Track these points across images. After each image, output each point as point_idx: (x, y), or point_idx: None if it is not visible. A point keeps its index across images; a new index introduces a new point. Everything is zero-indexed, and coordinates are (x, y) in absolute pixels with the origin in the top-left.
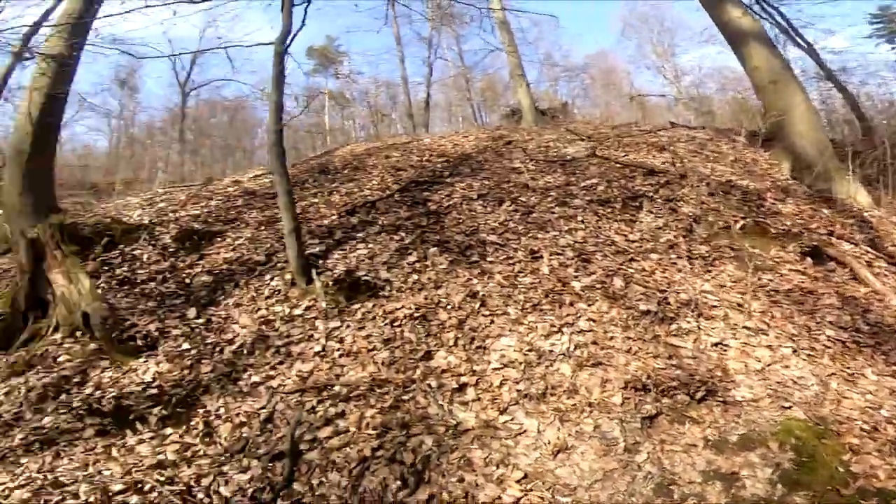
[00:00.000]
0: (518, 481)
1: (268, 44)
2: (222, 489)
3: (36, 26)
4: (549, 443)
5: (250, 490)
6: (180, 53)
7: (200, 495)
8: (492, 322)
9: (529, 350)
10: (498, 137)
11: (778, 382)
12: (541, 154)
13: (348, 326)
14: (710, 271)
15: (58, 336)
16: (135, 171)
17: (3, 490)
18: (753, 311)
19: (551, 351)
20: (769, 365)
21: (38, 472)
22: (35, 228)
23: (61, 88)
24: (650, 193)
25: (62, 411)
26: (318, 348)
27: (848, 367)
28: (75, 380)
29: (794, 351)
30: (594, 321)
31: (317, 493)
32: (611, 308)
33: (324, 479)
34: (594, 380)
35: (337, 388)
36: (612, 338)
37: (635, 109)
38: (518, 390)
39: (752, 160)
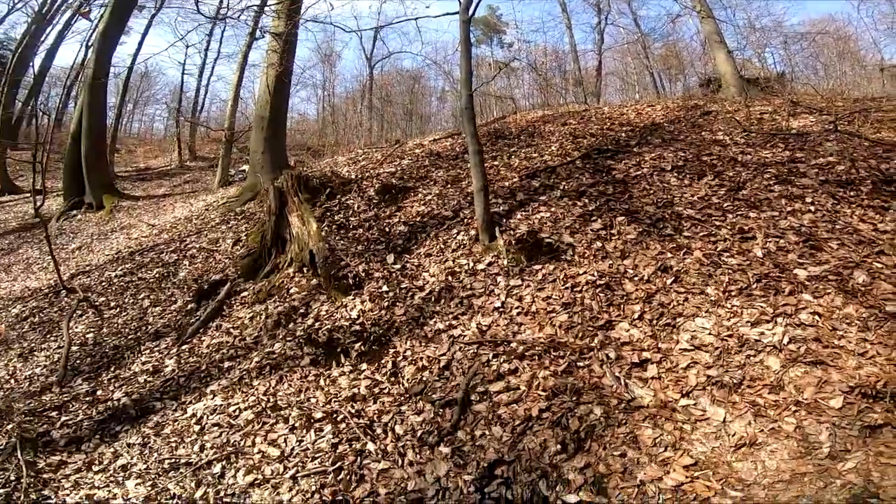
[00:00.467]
0: (686, 467)
1: (454, 13)
2: (397, 427)
3: (261, 7)
4: (733, 434)
5: (419, 432)
6: (381, 27)
7: (378, 431)
8: (686, 300)
9: (729, 336)
10: (693, 107)
11: None
12: (753, 127)
13: (528, 286)
14: None
15: (290, 270)
16: (337, 135)
17: (235, 410)
18: None
19: (758, 341)
20: None
21: (264, 394)
22: (280, 178)
23: (289, 63)
24: None
25: (288, 339)
26: (497, 304)
27: None
28: (300, 311)
29: None
30: (820, 316)
31: (477, 444)
32: (846, 304)
33: (486, 432)
34: (809, 378)
35: (513, 344)
36: (842, 337)
37: (886, 82)
38: (708, 375)
39: None
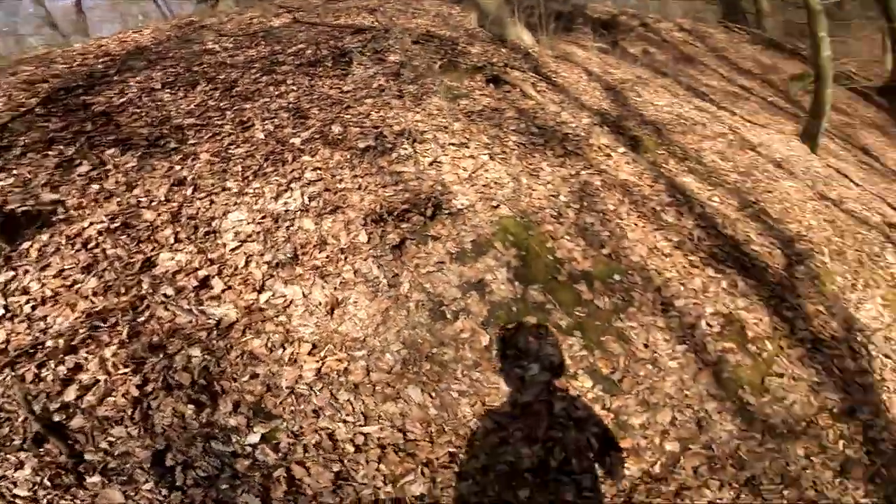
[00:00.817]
0: (309, 353)
1: None
2: None
3: None
4: (320, 304)
5: None
6: None
7: None
8: (211, 203)
9: (263, 217)
10: (186, 24)
11: (484, 186)
12: (241, 32)
13: (27, 272)
14: (419, 104)
15: None
16: None
17: None
18: (455, 131)
19: (286, 210)
20: (474, 172)
21: None
22: None
23: None
24: (359, 49)
25: None
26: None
27: (531, 164)
28: None
29: (491, 157)
30: (321, 169)
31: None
32: (333, 153)
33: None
34: (337, 225)
35: (50, 343)
36: (341, 180)
37: None
38: (267, 262)
39: (448, 14)
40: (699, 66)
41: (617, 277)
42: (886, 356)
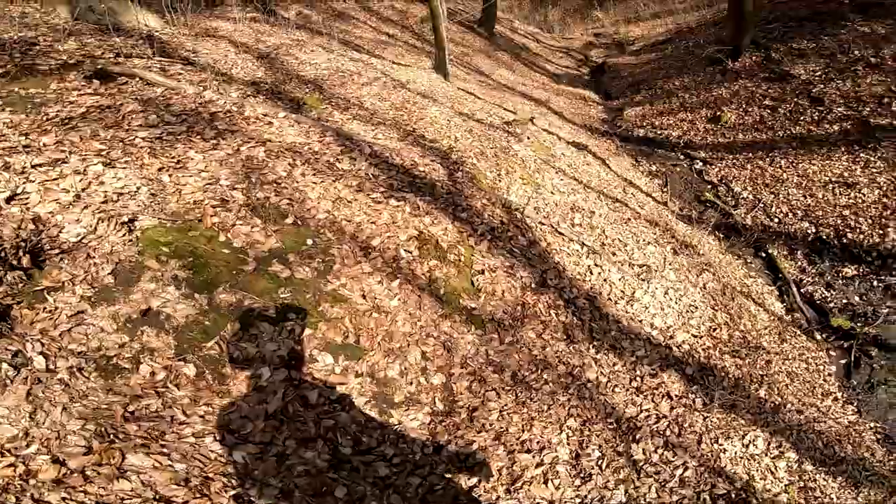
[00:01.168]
0: None
1: None
2: None
3: None
4: None
5: None
6: None
7: None
8: None
9: None
10: None
11: (104, 202)
12: None
13: None
14: None
15: None
16: None
17: None
18: (45, 147)
19: None
20: (85, 190)
21: None
22: None
23: None
24: None
25: None
26: None
27: (173, 158)
28: None
29: (108, 164)
30: None
31: None
32: None
33: None
34: None
35: None
36: None
37: None
38: None
39: (22, 13)
40: (351, 21)
41: (310, 242)
42: (541, 223)
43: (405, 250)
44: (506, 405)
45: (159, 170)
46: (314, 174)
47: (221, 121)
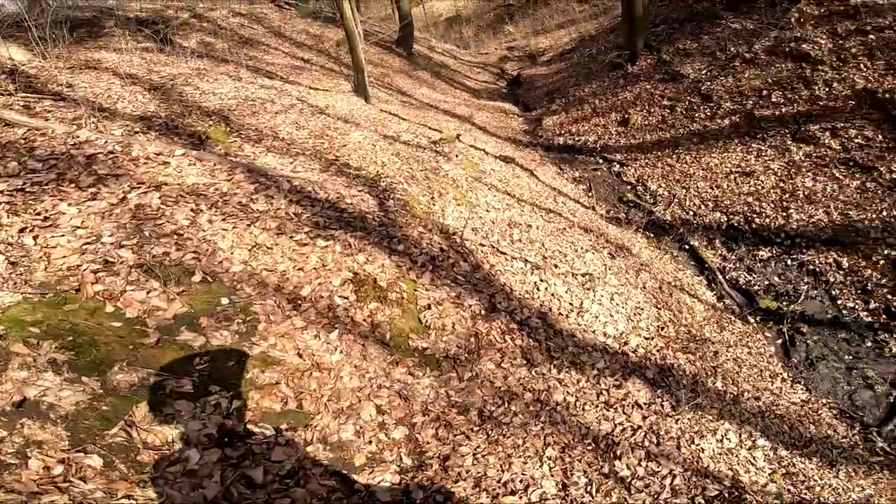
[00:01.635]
0: None
1: None
2: None
3: None
4: None
5: None
6: None
7: None
8: None
9: None
10: None
11: None
12: None
13: None
14: None
15: None
16: None
17: None
18: None
19: None
20: None
21: None
22: None
23: None
24: None
25: None
26: None
27: (39, 214)
28: None
29: None
30: None
31: None
32: None
33: None
34: None
35: None
36: None
37: None
38: None
39: None
40: (261, 48)
41: (226, 301)
42: (481, 245)
43: (340, 296)
44: (478, 447)
45: (21, 231)
46: (224, 219)
47: (102, 164)
